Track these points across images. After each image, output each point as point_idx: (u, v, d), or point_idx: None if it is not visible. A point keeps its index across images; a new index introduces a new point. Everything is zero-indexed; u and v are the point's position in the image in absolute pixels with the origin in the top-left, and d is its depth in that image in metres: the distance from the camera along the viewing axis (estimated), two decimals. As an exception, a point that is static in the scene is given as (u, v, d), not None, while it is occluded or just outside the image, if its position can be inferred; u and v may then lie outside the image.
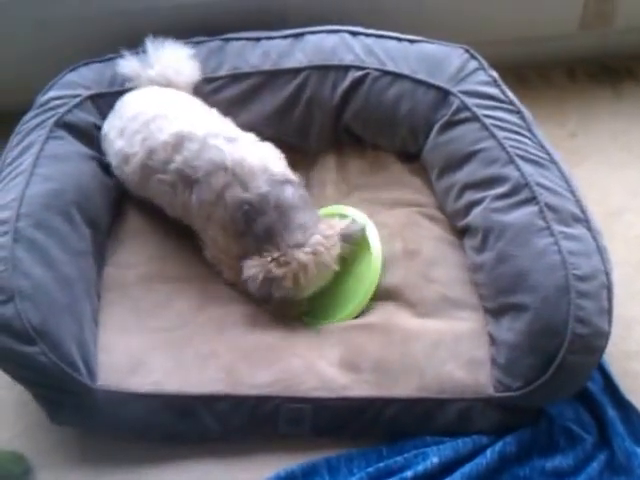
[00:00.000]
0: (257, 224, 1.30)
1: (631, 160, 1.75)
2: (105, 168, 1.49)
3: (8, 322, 1.23)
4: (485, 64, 1.51)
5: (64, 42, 1.68)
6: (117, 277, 1.44)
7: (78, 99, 1.50)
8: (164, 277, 1.44)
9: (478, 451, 1.25)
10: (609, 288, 1.24)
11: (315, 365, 1.31)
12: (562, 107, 1.84)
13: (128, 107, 1.46)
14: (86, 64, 1.57)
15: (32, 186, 1.35)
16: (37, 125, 1.45)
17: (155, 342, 1.35)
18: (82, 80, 1.54)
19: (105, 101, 1.53)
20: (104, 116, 1.51)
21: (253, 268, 1.29)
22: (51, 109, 1.48)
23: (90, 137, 1.49)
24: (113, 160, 1.45)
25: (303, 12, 1.64)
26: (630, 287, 1.46)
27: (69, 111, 1.48)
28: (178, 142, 1.36)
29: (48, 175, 1.38)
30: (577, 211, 1.30)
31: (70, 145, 1.46)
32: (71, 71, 1.56)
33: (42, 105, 1.49)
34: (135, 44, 1.55)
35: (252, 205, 1.30)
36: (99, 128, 1.50)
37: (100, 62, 1.58)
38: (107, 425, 1.31)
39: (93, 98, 1.53)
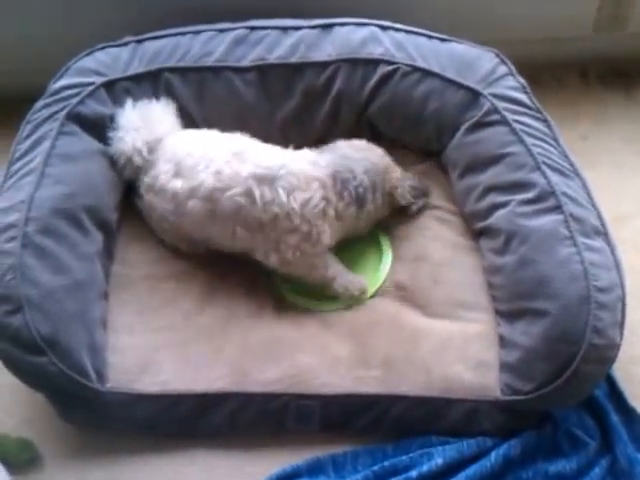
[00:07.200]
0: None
1: (642, 165, 1.75)
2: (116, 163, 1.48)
3: (16, 332, 1.22)
4: (514, 70, 1.51)
5: (82, 25, 1.68)
6: (124, 276, 1.43)
7: (91, 87, 1.48)
8: (170, 276, 1.44)
9: (483, 453, 1.27)
10: (623, 301, 1.26)
11: (323, 361, 1.32)
12: (574, 110, 1.84)
13: (174, 149, 1.43)
14: (102, 48, 1.55)
15: (42, 189, 1.34)
16: (48, 117, 1.43)
17: (162, 341, 1.35)
18: (97, 66, 1.52)
19: (120, 87, 1.51)
20: (118, 104, 1.50)
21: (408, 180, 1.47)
22: (63, 99, 1.46)
23: (101, 129, 1.47)
24: (168, 205, 1.40)
25: (325, 5, 1.64)
26: (637, 293, 1.45)
27: (81, 102, 1.46)
28: (239, 155, 1.37)
29: (59, 177, 1.37)
30: (598, 224, 1.31)
31: (81, 142, 1.44)
32: (86, 55, 1.54)
33: (54, 94, 1.47)
34: (157, 27, 1.55)
35: (349, 178, 1.39)
36: (112, 119, 1.48)
37: (117, 46, 1.56)
38: (117, 424, 1.32)
39: (107, 85, 1.50)
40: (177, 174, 1.40)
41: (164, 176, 1.41)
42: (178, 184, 1.39)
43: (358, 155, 1.43)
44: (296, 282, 1.43)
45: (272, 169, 1.35)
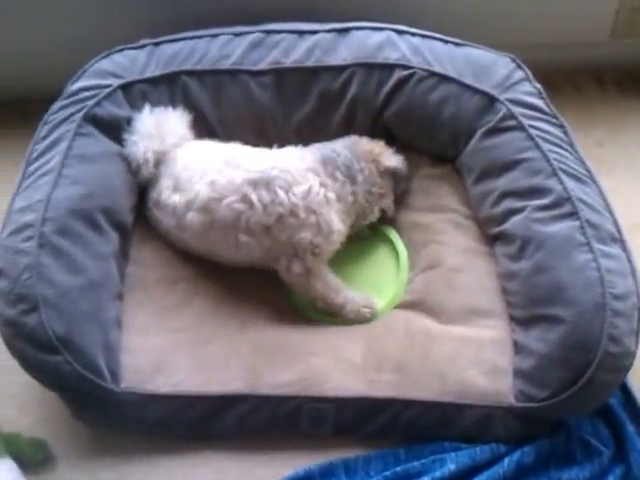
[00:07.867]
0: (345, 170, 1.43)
1: (657, 171, 1.74)
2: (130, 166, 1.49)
3: (32, 332, 1.23)
4: (530, 75, 1.51)
5: (99, 27, 1.69)
6: (139, 277, 1.44)
7: (108, 90, 1.49)
8: (185, 277, 1.45)
9: (496, 460, 1.26)
10: (639, 309, 1.25)
11: (337, 365, 1.32)
12: (590, 115, 1.83)
13: (177, 163, 1.45)
14: (119, 50, 1.56)
15: (59, 189, 1.35)
16: (65, 118, 1.45)
17: (176, 342, 1.36)
18: (114, 68, 1.53)
19: (137, 89, 1.52)
20: (135, 106, 1.51)
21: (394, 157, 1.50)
22: (80, 100, 1.47)
23: (117, 131, 1.48)
24: (170, 220, 1.42)
25: (340, 9, 1.64)
26: (652, 301, 1.46)
27: (98, 103, 1.47)
28: (230, 163, 1.39)
29: (76, 178, 1.38)
30: (614, 231, 1.31)
31: (98, 143, 1.45)
32: (103, 58, 1.55)
33: (71, 95, 1.49)
34: (174, 31, 1.56)
35: (334, 156, 1.43)
36: (128, 121, 1.49)
37: (134, 48, 1.57)
38: (130, 424, 1.32)
39: (124, 87, 1.51)
40: (175, 188, 1.42)
41: (166, 191, 1.43)
42: (177, 198, 1.41)
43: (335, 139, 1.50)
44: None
45: (264, 172, 1.36)
